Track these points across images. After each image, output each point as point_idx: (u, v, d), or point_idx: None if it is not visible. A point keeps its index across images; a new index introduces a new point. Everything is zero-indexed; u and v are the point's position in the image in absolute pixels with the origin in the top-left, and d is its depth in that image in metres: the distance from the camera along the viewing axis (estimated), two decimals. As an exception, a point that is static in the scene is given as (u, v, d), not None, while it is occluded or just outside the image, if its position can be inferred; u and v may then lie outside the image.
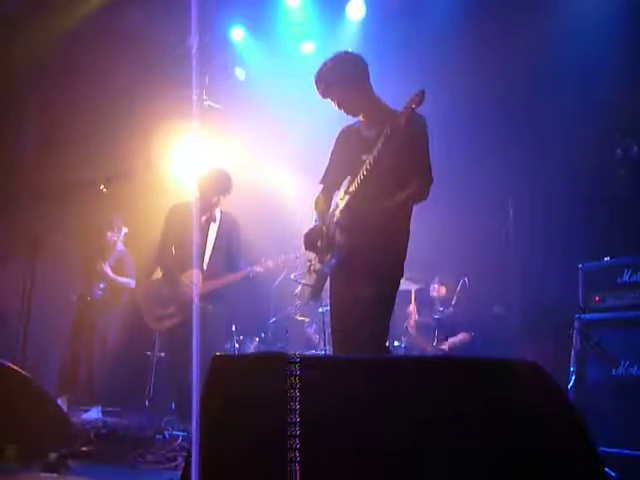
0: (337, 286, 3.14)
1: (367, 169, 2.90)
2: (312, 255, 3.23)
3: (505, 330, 5.62)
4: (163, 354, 5.48)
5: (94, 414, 5.67)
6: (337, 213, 3.10)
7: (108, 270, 5.92)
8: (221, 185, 4.74)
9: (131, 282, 6.05)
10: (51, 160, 6.69)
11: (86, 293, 5.93)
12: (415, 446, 1.74)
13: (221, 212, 4.92)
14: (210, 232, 4.83)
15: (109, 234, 6.03)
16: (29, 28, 6.20)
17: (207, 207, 4.78)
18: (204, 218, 4.82)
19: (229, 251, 4.91)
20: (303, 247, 3.29)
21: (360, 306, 2.93)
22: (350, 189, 3.01)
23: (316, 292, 3.17)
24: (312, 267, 3.20)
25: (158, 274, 4.92)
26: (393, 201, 2.98)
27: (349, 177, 3.06)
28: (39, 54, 6.39)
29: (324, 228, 3.16)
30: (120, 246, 6.07)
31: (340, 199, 3.12)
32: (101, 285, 5.94)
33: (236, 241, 4.95)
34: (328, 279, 3.18)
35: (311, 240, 3.17)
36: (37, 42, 6.28)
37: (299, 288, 3.30)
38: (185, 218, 4.66)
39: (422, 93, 2.74)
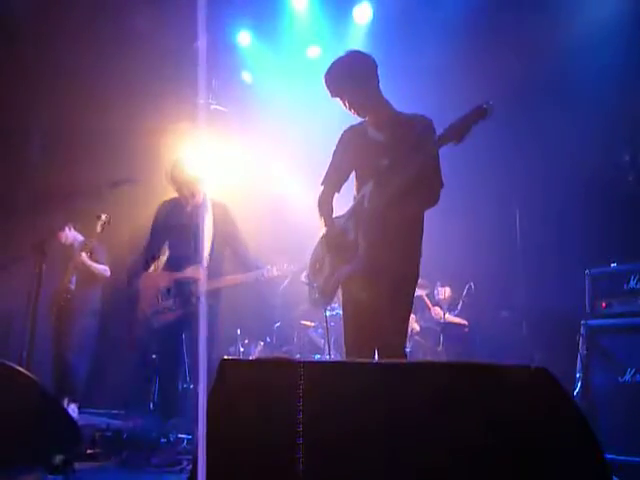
0: (354, 290, 3.04)
1: (394, 175, 2.86)
2: (319, 256, 3.17)
3: (511, 335, 5.61)
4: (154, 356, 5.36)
5: (72, 412, 5.64)
6: (359, 216, 3.01)
7: (85, 257, 5.81)
8: (182, 177, 4.52)
9: (107, 270, 5.93)
10: (57, 164, 6.71)
11: (63, 291, 5.88)
12: (419, 449, 1.73)
13: (212, 201, 4.59)
14: (207, 224, 4.46)
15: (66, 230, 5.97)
16: (34, 32, 6.23)
17: (188, 198, 4.57)
18: (189, 208, 4.56)
19: (234, 246, 4.60)
20: (310, 254, 3.23)
21: (378, 310, 2.90)
22: (375, 194, 2.94)
23: (329, 296, 3.11)
24: (323, 270, 3.11)
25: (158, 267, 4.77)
26: (414, 207, 2.96)
27: (371, 182, 2.98)
28: (43, 58, 6.42)
29: (342, 231, 3.08)
30: (79, 237, 5.99)
31: (360, 203, 3.03)
32: (72, 279, 5.88)
33: (238, 233, 4.63)
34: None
35: (333, 242, 3.09)
36: (42, 46, 6.31)
37: (314, 293, 3.16)
38: (169, 213, 4.55)
39: (483, 110, 2.69)
